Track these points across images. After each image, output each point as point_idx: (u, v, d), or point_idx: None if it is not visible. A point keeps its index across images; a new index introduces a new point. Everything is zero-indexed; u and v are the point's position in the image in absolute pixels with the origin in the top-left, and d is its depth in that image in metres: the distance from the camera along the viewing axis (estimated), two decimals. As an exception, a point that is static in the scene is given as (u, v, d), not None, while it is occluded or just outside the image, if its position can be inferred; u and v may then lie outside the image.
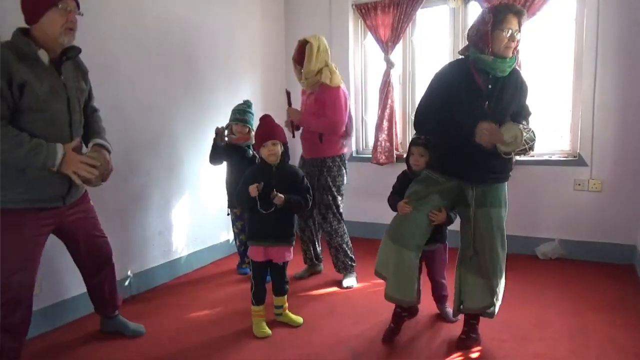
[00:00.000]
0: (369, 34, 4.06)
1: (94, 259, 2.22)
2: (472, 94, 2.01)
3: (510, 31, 1.96)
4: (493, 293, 2.14)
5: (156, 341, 2.37)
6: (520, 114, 2.12)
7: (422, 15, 3.93)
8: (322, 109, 2.88)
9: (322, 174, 2.97)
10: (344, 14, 4.13)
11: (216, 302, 2.86)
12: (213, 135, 3.03)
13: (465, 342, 2.22)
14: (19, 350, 1.91)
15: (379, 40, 3.96)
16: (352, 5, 4.11)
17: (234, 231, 3.36)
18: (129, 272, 2.90)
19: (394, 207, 2.27)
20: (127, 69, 2.82)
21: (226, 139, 3.11)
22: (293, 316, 2.51)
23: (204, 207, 3.55)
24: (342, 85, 2.95)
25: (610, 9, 3.17)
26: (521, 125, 1.94)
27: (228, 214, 3.26)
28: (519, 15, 1.99)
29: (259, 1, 4.07)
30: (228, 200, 3.22)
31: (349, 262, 3.08)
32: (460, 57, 2.15)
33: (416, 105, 2.21)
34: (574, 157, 3.44)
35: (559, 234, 3.49)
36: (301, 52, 2.90)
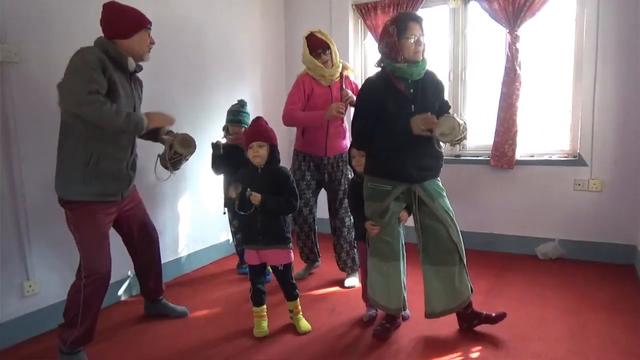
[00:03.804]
0: (369, 34, 4.06)
1: (145, 242, 2.48)
2: (398, 101, 2.15)
3: (414, 37, 2.11)
4: (467, 279, 2.27)
5: (156, 341, 2.38)
6: (443, 109, 2.27)
7: (422, 15, 3.92)
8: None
9: (347, 170, 3.01)
10: (344, 14, 4.13)
11: (216, 302, 2.86)
12: (211, 146, 3.06)
13: (471, 326, 2.34)
14: (94, 321, 2.16)
15: (379, 40, 3.96)
16: (352, 5, 4.11)
17: (231, 230, 3.36)
18: (129, 273, 2.90)
19: (361, 225, 2.33)
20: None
21: (224, 140, 3.12)
22: (302, 322, 2.45)
23: (204, 207, 3.55)
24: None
25: (610, 9, 3.17)
26: (456, 116, 2.08)
27: (224, 213, 3.27)
28: (419, 21, 2.16)
29: (259, 1, 4.07)
30: (224, 200, 3.23)
31: (357, 260, 3.10)
32: (378, 69, 2.28)
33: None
34: (574, 157, 3.44)
35: (559, 234, 3.49)
36: (319, 40, 2.87)
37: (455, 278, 2.24)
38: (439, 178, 2.31)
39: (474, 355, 2.15)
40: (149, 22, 2.17)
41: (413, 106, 2.15)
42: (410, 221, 2.35)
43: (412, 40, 2.11)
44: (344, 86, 2.91)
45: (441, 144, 2.18)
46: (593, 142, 3.33)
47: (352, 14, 4.16)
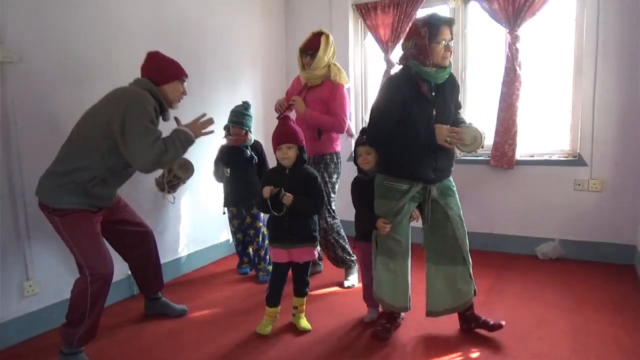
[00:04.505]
0: (369, 34, 4.06)
1: (138, 235, 2.50)
2: (422, 103, 2.14)
3: (445, 42, 2.09)
4: (472, 281, 2.28)
5: (156, 342, 2.38)
6: (457, 109, 2.33)
7: (422, 15, 3.93)
8: (328, 106, 2.89)
9: (319, 171, 2.95)
10: (344, 14, 4.13)
11: (216, 302, 2.86)
12: (214, 141, 3.04)
13: (470, 328, 2.32)
14: (99, 317, 2.18)
15: (379, 40, 3.96)
16: (352, 5, 4.11)
17: (230, 230, 3.36)
18: (129, 272, 2.90)
19: (371, 223, 2.29)
20: (126, 70, 2.81)
21: (224, 139, 3.12)
22: (303, 321, 2.47)
23: (204, 207, 3.55)
24: (347, 86, 3.00)
25: (610, 9, 3.17)
26: (476, 126, 2.12)
27: (224, 213, 3.26)
28: (451, 25, 2.11)
29: (259, 1, 4.07)
30: (224, 200, 3.23)
31: (347, 257, 3.09)
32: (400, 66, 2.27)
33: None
34: (574, 157, 3.44)
35: (559, 234, 3.49)
36: (314, 42, 2.89)
37: (458, 279, 2.24)
38: (451, 177, 2.32)
39: (474, 355, 2.15)
40: (185, 75, 2.32)
41: (434, 109, 2.15)
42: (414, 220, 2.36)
43: (443, 45, 2.08)
44: (292, 94, 2.98)
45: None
46: (593, 142, 3.33)
47: (352, 14, 4.16)
